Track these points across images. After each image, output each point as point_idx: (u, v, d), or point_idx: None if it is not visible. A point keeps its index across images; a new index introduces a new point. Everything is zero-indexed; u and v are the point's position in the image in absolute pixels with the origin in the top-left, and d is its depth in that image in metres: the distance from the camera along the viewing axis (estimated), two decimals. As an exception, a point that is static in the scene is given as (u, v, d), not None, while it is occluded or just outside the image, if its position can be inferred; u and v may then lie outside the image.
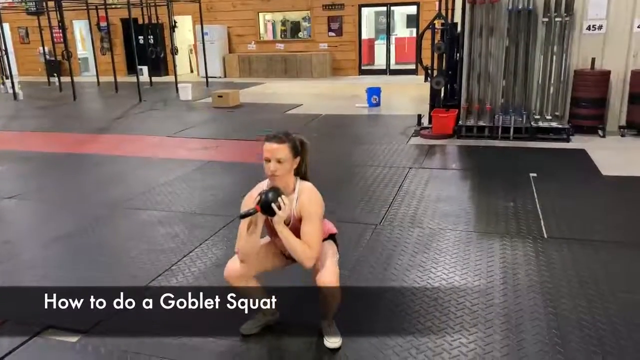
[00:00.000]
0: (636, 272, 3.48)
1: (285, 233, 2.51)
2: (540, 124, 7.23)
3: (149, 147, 7.60)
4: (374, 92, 10.42)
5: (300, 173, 2.66)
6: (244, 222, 2.57)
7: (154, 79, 14.92)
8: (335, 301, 2.63)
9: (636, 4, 7.02)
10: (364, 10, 16.35)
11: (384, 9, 16.53)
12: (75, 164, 6.83)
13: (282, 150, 2.50)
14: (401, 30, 17.95)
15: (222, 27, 16.68)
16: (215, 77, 15.63)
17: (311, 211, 2.56)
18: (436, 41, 8.28)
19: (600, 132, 7.23)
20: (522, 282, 3.34)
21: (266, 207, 2.45)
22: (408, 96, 11.76)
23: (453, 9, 8.67)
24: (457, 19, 8.28)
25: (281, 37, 17.39)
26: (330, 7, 15.95)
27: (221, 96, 10.71)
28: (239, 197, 5.05)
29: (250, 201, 2.59)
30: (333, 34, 16.12)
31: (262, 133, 2.57)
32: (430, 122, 7.76)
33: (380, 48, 17.66)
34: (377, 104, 10.40)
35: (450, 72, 8.03)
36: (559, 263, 3.60)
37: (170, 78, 15.50)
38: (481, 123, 7.42)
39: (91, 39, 15.48)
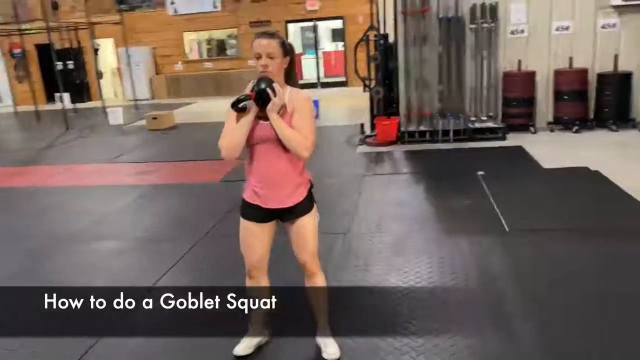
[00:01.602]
0: (603, 258, 3.69)
1: (279, 123, 2.40)
2: (477, 124, 7.57)
3: (86, 175, 7.22)
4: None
5: (289, 81, 2.55)
6: (231, 119, 2.46)
7: (78, 105, 14.22)
8: (325, 294, 2.67)
9: (552, 9, 7.56)
10: (290, 26, 16.51)
11: (310, 24, 16.78)
12: (5, 198, 6.35)
13: (272, 45, 2.42)
14: (327, 45, 18.25)
15: (146, 48, 16.22)
16: (142, 100, 15.14)
17: (305, 106, 2.47)
18: (371, 52, 8.48)
19: (531, 129, 7.67)
20: (500, 275, 3.46)
21: (260, 92, 2.36)
22: (343, 107, 11.96)
23: (385, 20, 8.90)
24: (389, 29, 8.54)
25: (207, 56, 17.17)
26: (257, 24, 15.96)
27: (155, 118, 10.39)
28: (193, 219, 4.96)
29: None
30: (262, 50, 16.12)
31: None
32: (373, 130, 7.91)
33: (307, 62, 17.85)
34: (316, 116, 10.46)
35: (386, 81, 8.25)
36: (528, 254, 3.77)
37: (94, 103, 14.86)
38: (422, 128, 7.67)
39: (4, 67, 14.55)
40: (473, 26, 7.52)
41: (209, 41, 17.26)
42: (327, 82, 16.55)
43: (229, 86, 15.96)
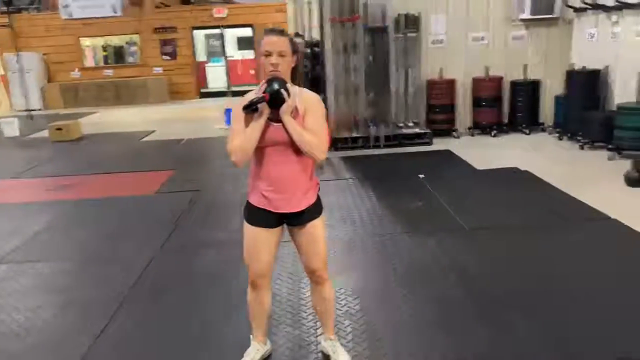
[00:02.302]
0: (553, 249, 3.95)
1: (294, 125, 2.28)
2: (405, 131, 7.82)
3: (-7, 192, 6.41)
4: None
5: (294, 80, 2.42)
6: (238, 121, 2.32)
7: (-43, 116, 12.65)
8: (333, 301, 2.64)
9: (468, 21, 8.05)
10: (196, 33, 16.03)
11: (216, 31, 16.42)
12: None
13: (283, 43, 2.29)
14: (233, 53, 17.97)
15: (36, 54, 14.87)
16: (34, 110, 13.82)
17: (317, 106, 2.37)
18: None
19: (454, 134, 8.09)
20: (480, 272, 3.57)
21: (275, 94, 2.22)
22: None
23: (309, 28, 8.95)
24: (314, 36, 8.59)
25: (104, 63, 16.13)
26: (161, 30, 15.31)
27: (60, 129, 9.52)
28: (129, 234, 4.58)
29: (241, 106, 2.31)
30: (168, 57, 15.49)
31: None
32: (305, 137, 7.86)
33: (213, 71, 17.42)
34: (237, 125, 10.22)
35: (313, 88, 8.25)
36: (495, 250, 3.93)
37: (-23, 114, 13.29)
38: (354, 134, 7.77)
39: None
40: (399, 35, 7.79)
41: (105, 48, 16.25)
42: (239, 91, 16.24)
43: (131, 94, 15.15)
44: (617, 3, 6.58)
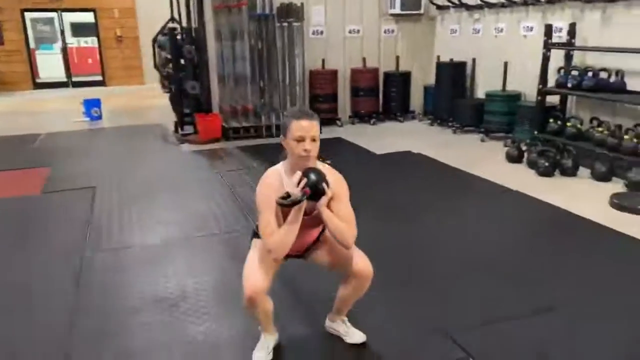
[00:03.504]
0: (488, 215, 4.40)
1: (329, 214, 2.27)
2: (294, 119, 7.89)
3: None
4: (93, 104, 9.29)
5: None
6: (270, 209, 2.26)
7: None
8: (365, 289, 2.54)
9: (345, 14, 8.40)
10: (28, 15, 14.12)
11: (47, 15, 14.66)
12: None
13: (315, 127, 2.26)
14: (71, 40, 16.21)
15: None
16: None
17: (342, 191, 2.37)
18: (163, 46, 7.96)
19: (338, 122, 8.39)
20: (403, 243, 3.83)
21: (316, 188, 2.20)
22: (118, 107, 10.86)
23: (188, 13, 8.46)
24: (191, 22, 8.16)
25: None
26: (-19, 10, 13.19)
27: None
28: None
29: (270, 191, 2.27)
30: (-9, 42, 13.40)
31: None
32: (194, 128, 7.48)
33: (45, 59, 15.52)
34: (99, 117, 9.31)
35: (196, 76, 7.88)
36: (425, 223, 4.24)
37: None
38: (244, 124, 7.61)
39: None
40: (284, 24, 7.80)
41: None
42: (82, 82, 14.72)
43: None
44: (479, 2, 7.44)
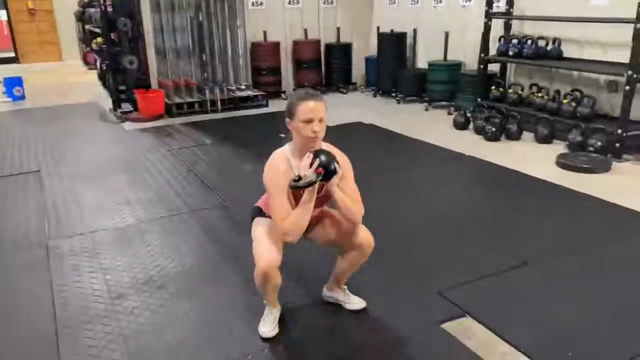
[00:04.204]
0: (435, 175, 4.58)
1: (341, 194, 2.31)
2: (239, 94, 7.73)
3: None
4: (14, 82, 8.59)
5: None
6: (281, 192, 2.26)
7: None
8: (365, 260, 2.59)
9: (284, -16, 8.26)
10: None
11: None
12: None
13: (322, 108, 2.28)
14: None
15: None
16: None
17: (349, 168, 2.42)
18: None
19: (282, 95, 8.31)
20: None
21: (328, 169, 2.22)
22: (40, 85, 10.11)
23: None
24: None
25: None
26: None
27: None
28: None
29: (278, 175, 2.27)
30: None
31: None
32: (134, 105, 7.14)
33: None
34: (22, 97, 8.65)
35: (127, 51, 7.47)
36: (383, 187, 4.36)
37: None
38: (188, 99, 7.36)
39: None
40: (224, -5, 7.56)
41: None
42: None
43: None
44: (418, -26, 7.57)
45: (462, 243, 3.42)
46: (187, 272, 3.13)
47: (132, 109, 7.20)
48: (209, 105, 7.38)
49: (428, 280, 2.96)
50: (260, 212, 2.50)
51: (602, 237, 3.46)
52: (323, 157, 2.21)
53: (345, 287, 2.75)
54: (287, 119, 2.32)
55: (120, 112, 7.18)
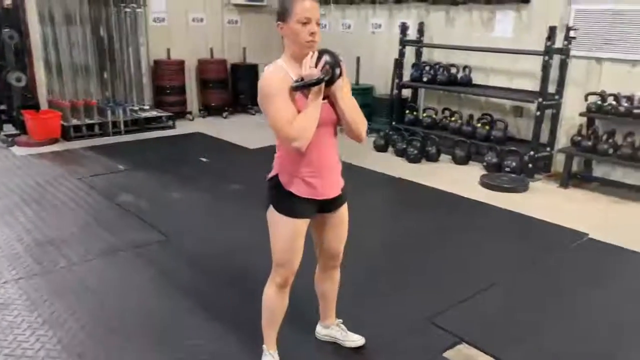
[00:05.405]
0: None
1: (348, 101, 2.11)
2: (143, 114, 7.19)
3: None
4: None
5: None
6: (285, 99, 1.98)
7: None
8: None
9: (188, 1, 7.89)
10: None
11: None
12: None
13: (318, 8, 2.05)
14: None
15: None
16: None
17: (347, 84, 2.17)
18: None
19: (189, 116, 7.89)
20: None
21: (335, 68, 2.00)
22: None
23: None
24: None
25: None
26: None
27: None
28: None
29: (276, 81, 2.00)
30: None
31: None
32: (20, 127, 6.27)
33: None
34: None
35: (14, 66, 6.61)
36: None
37: None
38: (87, 121, 6.67)
39: None
40: (127, 9, 7.01)
41: None
42: None
43: None
44: (327, -2, 7.70)
45: (423, 269, 3.44)
46: (157, 324, 2.75)
47: (18, 132, 6.34)
48: (110, 127, 6.75)
49: (417, 308, 2.93)
50: (277, 191, 2.16)
51: (554, 252, 3.70)
52: (329, 57, 1.99)
53: (340, 321, 2.62)
54: (278, 23, 2.06)
55: (4, 135, 6.28)
